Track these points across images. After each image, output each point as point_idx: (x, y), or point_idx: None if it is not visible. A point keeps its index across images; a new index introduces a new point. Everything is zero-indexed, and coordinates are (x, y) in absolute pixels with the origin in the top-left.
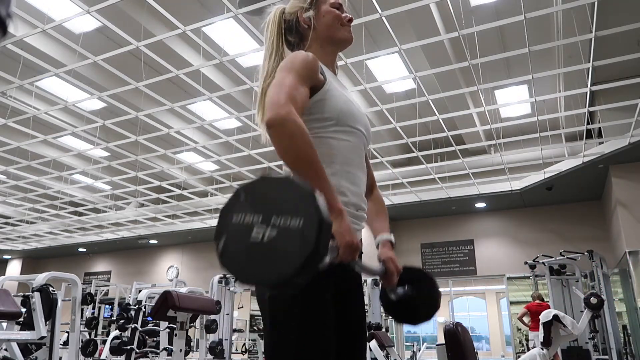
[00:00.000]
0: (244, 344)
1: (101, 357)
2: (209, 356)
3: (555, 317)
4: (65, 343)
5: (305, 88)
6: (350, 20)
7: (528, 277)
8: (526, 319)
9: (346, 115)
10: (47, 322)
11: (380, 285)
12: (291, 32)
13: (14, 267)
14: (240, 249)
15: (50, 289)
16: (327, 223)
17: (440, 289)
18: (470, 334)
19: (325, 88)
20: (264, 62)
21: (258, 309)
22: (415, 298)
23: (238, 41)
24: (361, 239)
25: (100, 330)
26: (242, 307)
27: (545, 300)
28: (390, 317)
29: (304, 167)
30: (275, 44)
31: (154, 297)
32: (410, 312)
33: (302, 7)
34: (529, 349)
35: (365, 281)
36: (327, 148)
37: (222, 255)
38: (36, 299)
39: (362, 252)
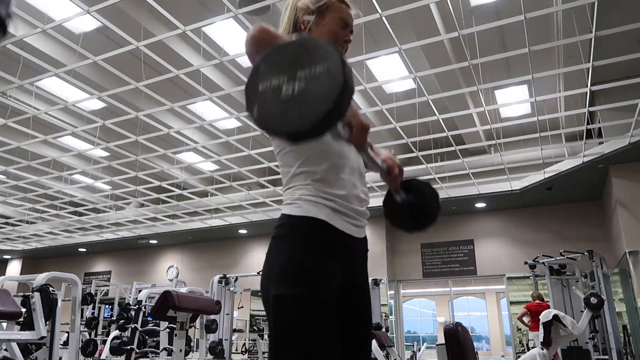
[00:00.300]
0: (244, 344)
1: (101, 357)
2: (209, 356)
3: (555, 317)
4: (65, 343)
5: None
6: (348, 41)
7: (528, 277)
8: (526, 319)
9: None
10: (47, 322)
11: (386, 193)
12: (295, 26)
13: (14, 267)
14: (275, 108)
15: (50, 289)
16: (348, 64)
17: (436, 192)
18: (470, 334)
19: None
20: None
21: (258, 309)
22: (418, 202)
23: (238, 41)
24: (365, 237)
25: (100, 330)
26: (242, 307)
27: (545, 300)
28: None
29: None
30: (285, 32)
31: (154, 297)
32: (415, 216)
33: (307, 8)
34: (529, 349)
35: None
36: (323, 145)
37: (260, 119)
38: (36, 299)
39: (367, 250)
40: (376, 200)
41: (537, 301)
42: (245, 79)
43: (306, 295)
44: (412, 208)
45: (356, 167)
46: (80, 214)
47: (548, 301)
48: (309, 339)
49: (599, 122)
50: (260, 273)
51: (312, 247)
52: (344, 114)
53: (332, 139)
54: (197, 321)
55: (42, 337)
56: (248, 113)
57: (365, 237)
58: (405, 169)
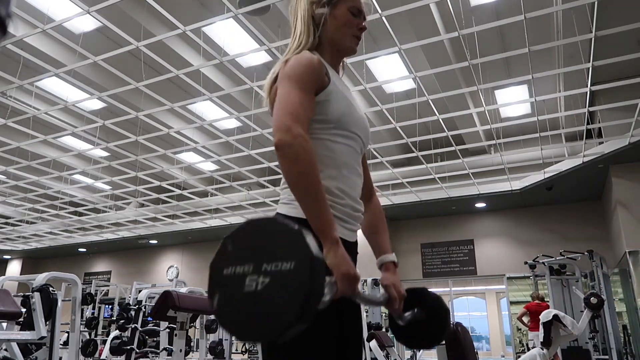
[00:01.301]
0: (244, 344)
1: (101, 357)
2: (209, 356)
3: (555, 317)
4: (65, 343)
5: (310, 97)
6: (363, 29)
7: (528, 277)
8: (525, 319)
9: (347, 119)
10: (47, 322)
11: (388, 314)
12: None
13: (14, 267)
14: (235, 303)
15: (50, 289)
16: (319, 260)
17: (447, 308)
18: (470, 334)
19: (328, 89)
20: (290, 42)
21: None
22: (423, 321)
23: (238, 41)
24: (356, 241)
25: (100, 330)
26: None
27: (545, 300)
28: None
29: (302, 192)
30: (300, 24)
31: (154, 297)
32: (421, 336)
33: (320, 1)
34: (529, 349)
35: (365, 281)
36: (326, 150)
37: (219, 313)
38: (36, 299)
39: (357, 253)
40: None
41: (537, 301)
42: (245, 79)
43: None
44: (417, 325)
45: (355, 174)
46: (80, 214)
47: (548, 301)
48: (304, 340)
49: (599, 122)
50: None
51: None
52: (308, 320)
53: (338, 142)
54: (197, 321)
55: (42, 337)
56: (209, 299)
57: (356, 241)
58: (406, 169)
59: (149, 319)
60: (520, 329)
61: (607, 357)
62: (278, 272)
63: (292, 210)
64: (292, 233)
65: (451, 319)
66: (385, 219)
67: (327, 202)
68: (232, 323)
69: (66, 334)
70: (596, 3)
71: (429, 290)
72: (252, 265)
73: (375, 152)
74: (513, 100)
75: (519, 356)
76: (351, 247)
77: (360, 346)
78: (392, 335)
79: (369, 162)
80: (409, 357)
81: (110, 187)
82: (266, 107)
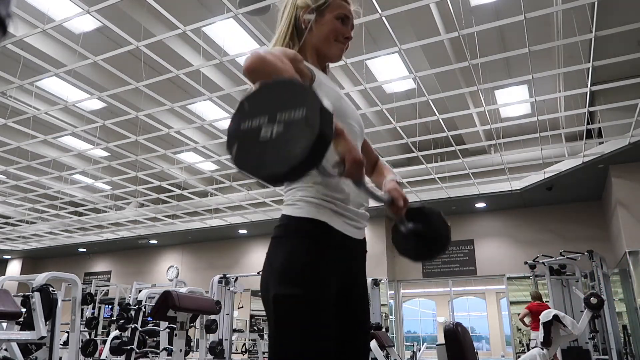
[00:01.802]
0: (244, 344)
1: (101, 357)
2: (209, 356)
3: (555, 317)
4: (65, 343)
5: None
6: (348, 38)
7: (528, 277)
8: (527, 320)
9: (338, 111)
10: (47, 322)
11: (392, 227)
12: (296, 25)
13: (14, 267)
14: (252, 150)
15: (50, 289)
16: (328, 111)
17: (447, 222)
18: (470, 334)
19: (316, 84)
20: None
21: (258, 309)
22: (426, 230)
23: (238, 41)
24: (364, 238)
25: (100, 330)
26: (242, 307)
27: (545, 300)
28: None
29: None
30: (284, 27)
31: (154, 297)
32: (423, 246)
33: (308, 7)
34: (529, 349)
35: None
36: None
37: (237, 160)
38: (36, 299)
39: (366, 251)
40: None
41: (537, 301)
42: (245, 79)
43: (306, 296)
44: (419, 238)
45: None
46: (80, 214)
47: (548, 301)
48: (308, 338)
49: (599, 122)
50: (260, 273)
51: (313, 248)
52: (318, 163)
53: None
54: (197, 321)
55: (42, 337)
56: (227, 150)
57: (365, 238)
58: (406, 169)
59: (149, 319)
60: (520, 329)
61: (607, 357)
62: (291, 120)
63: (297, 211)
64: (304, 88)
65: (450, 317)
66: (386, 219)
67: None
68: (249, 165)
69: (66, 334)
70: (596, 3)
71: (431, 206)
72: (266, 117)
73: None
74: (513, 100)
75: (519, 356)
76: (359, 245)
77: (367, 335)
78: (395, 244)
79: None
80: (409, 357)
81: (110, 187)
82: None
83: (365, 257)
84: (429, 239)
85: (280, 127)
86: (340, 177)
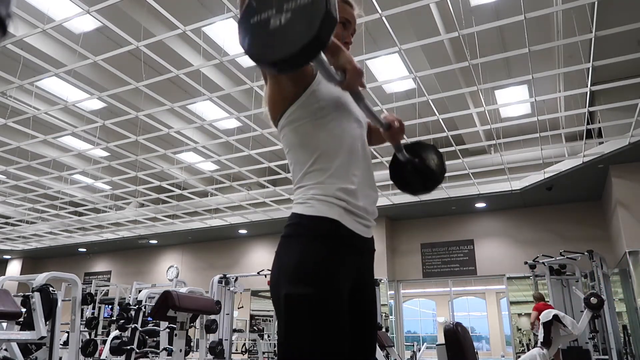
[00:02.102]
0: (244, 344)
1: (101, 357)
2: (209, 356)
3: (555, 317)
4: (65, 343)
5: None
6: (347, 43)
7: (528, 277)
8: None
9: (341, 102)
10: (47, 322)
11: (390, 161)
12: None
13: (14, 267)
14: (264, 39)
15: (50, 289)
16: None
17: (443, 157)
18: (470, 334)
19: (316, 80)
20: None
21: (258, 309)
22: (423, 164)
23: (238, 41)
24: (372, 237)
25: (100, 330)
26: (242, 307)
27: (545, 300)
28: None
29: None
30: None
31: (154, 297)
32: (420, 178)
33: None
34: (529, 349)
35: None
36: (332, 137)
37: (249, 50)
38: (36, 299)
39: (374, 250)
40: None
41: (542, 302)
42: (245, 79)
43: (318, 295)
44: (417, 170)
45: (367, 165)
46: (80, 214)
47: (548, 301)
48: (320, 338)
49: (599, 122)
50: (267, 272)
51: (324, 247)
52: (326, 44)
53: (344, 128)
54: (197, 321)
55: (42, 337)
56: (240, 45)
57: (372, 237)
58: None
59: (149, 319)
60: (520, 329)
61: (607, 357)
62: (298, 6)
63: (308, 209)
64: None
65: (450, 317)
66: (386, 219)
67: None
68: (262, 50)
69: (66, 334)
70: (596, 3)
71: (423, 141)
72: (274, 9)
73: (375, 152)
74: (513, 100)
75: (519, 356)
76: (368, 244)
77: (375, 333)
78: (393, 180)
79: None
80: (409, 357)
81: (110, 187)
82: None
83: (373, 256)
84: (427, 170)
85: (288, 15)
86: (341, 84)
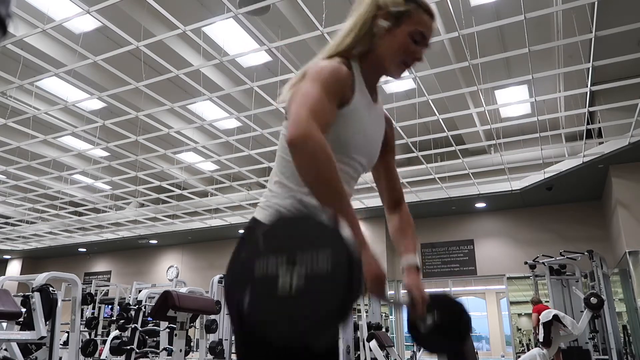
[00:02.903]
0: None
1: (101, 357)
2: (209, 356)
3: (555, 317)
4: (65, 343)
5: (331, 103)
6: (418, 59)
7: (528, 277)
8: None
9: (350, 147)
10: (47, 322)
11: (407, 317)
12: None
13: (14, 267)
14: (269, 305)
15: (50, 289)
16: (358, 260)
17: (468, 315)
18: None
19: (348, 108)
20: (336, 36)
21: None
22: (445, 326)
23: (238, 41)
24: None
25: (100, 330)
26: None
27: (545, 300)
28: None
29: (324, 190)
30: (354, 24)
31: (154, 297)
32: (441, 341)
33: (387, 12)
34: (529, 349)
35: None
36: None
37: (251, 317)
38: (36, 299)
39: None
40: (376, 200)
41: (540, 304)
42: (246, 79)
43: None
44: (438, 331)
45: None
46: (80, 214)
47: (548, 301)
48: None
49: (599, 122)
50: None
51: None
52: (347, 317)
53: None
54: (197, 321)
55: (42, 337)
56: (233, 305)
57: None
58: (406, 169)
59: (149, 319)
60: (520, 329)
61: (607, 357)
62: (314, 272)
63: (265, 216)
64: (329, 230)
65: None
66: (384, 219)
67: (349, 201)
68: (267, 326)
69: (66, 334)
70: (596, 3)
71: (452, 296)
72: (285, 263)
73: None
74: (513, 100)
75: (519, 356)
76: None
77: None
78: (411, 339)
79: None
80: (409, 357)
81: (110, 187)
82: (281, 104)
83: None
84: (448, 332)
85: (302, 281)
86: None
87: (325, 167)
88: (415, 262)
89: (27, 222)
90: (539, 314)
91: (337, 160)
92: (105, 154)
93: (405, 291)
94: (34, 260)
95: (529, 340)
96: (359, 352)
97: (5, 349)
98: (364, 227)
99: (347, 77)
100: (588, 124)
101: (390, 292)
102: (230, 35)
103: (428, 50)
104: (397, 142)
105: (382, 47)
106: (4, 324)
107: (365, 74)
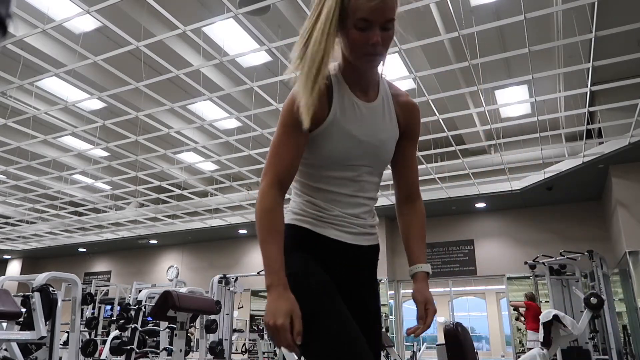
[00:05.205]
0: (244, 344)
1: (101, 357)
2: (209, 356)
3: (555, 317)
4: (65, 343)
5: (293, 137)
6: (375, 43)
7: (528, 277)
8: (522, 310)
9: (339, 158)
10: (47, 322)
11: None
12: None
13: (14, 267)
14: None
15: (50, 289)
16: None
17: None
18: (470, 334)
19: (325, 125)
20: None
21: (258, 309)
22: None
23: (238, 41)
24: (372, 246)
25: (100, 330)
26: (242, 307)
27: (545, 300)
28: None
29: (261, 239)
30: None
31: (154, 297)
32: None
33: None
34: (529, 349)
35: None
36: (315, 182)
37: None
38: (36, 299)
39: (373, 258)
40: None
41: (534, 302)
42: (246, 79)
43: (294, 276)
44: None
45: (350, 200)
46: (80, 214)
47: (548, 301)
48: (313, 305)
49: (599, 122)
50: (261, 273)
51: (290, 245)
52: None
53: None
54: (197, 321)
55: (42, 337)
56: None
57: (372, 246)
58: None
59: (149, 319)
60: (520, 329)
61: (607, 357)
62: None
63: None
64: None
65: (450, 317)
66: (386, 219)
67: (276, 247)
68: None
69: (66, 334)
70: (596, 3)
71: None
72: None
73: None
74: (513, 100)
75: (519, 356)
76: (361, 251)
77: (375, 334)
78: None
79: None
80: (409, 357)
81: (110, 187)
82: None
83: (373, 263)
84: None
85: None
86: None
87: (262, 225)
88: (424, 269)
89: (27, 222)
90: (529, 307)
91: (331, 171)
92: (105, 154)
93: (413, 300)
94: (34, 260)
95: (528, 340)
96: None
97: (5, 349)
98: None
99: (296, 106)
100: (588, 124)
101: (390, 293)
102: (230, 35)
103: (391, 26)
104: None
105: (344, 48)
106: (4, 324)
107: (349, 77)
